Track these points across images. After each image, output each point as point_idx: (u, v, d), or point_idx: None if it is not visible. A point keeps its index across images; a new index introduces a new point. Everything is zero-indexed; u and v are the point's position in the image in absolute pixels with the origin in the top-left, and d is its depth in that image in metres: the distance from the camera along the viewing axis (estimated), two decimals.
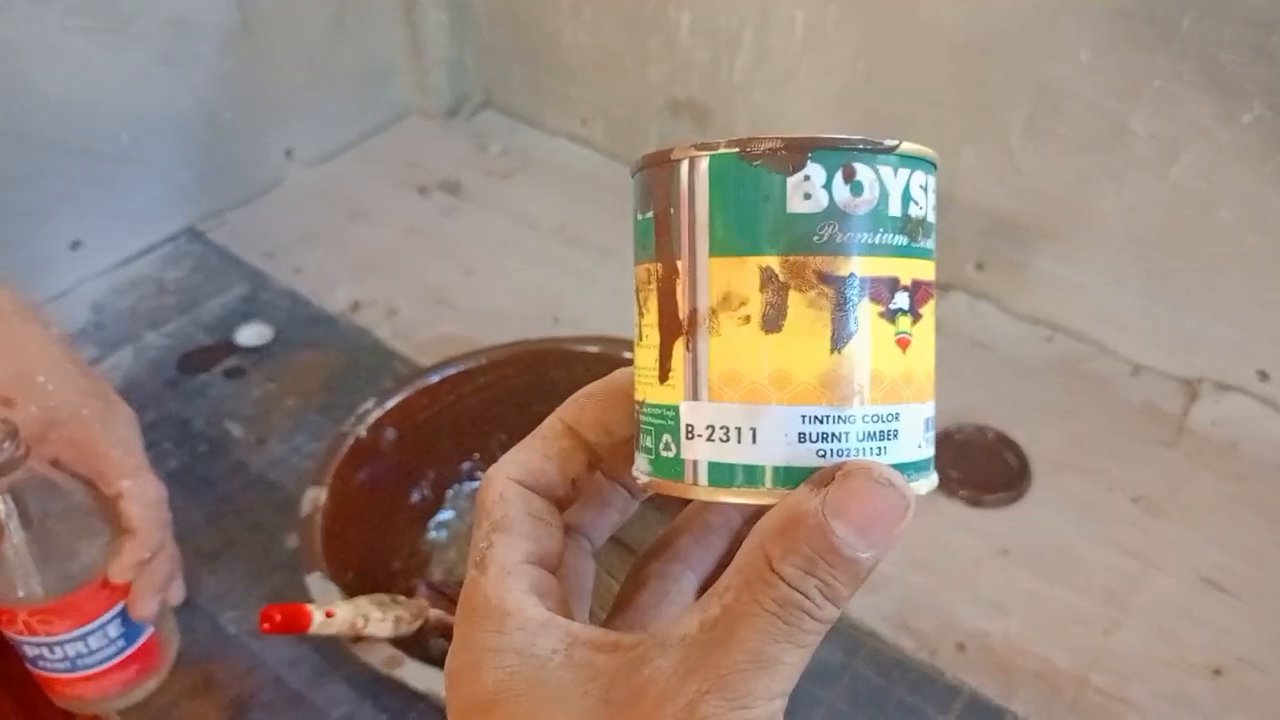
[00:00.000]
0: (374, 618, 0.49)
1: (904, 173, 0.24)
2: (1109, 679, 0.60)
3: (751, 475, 0.24)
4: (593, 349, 0.67)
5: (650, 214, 0.25)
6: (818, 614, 0.23)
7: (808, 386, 0.23)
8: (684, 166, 0.24)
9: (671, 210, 0.25)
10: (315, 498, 0.57)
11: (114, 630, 0.54)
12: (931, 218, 0.25)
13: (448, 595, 0.56)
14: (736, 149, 0.24)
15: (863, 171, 0.23)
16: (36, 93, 0.79)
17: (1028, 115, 0.74)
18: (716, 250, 0.24)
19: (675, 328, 0.25)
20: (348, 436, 0.61)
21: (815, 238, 0.23)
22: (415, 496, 0.66)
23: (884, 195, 0.23)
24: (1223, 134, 0.67)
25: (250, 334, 0.82)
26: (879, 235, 0.23)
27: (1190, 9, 0.64)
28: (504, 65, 1.07)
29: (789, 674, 0.23)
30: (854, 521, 0.23)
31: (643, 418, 0.26)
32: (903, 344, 0.24)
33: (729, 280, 0.24)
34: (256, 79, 0.95)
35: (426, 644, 0.56)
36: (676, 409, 0.25)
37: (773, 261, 0.23)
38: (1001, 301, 0.84)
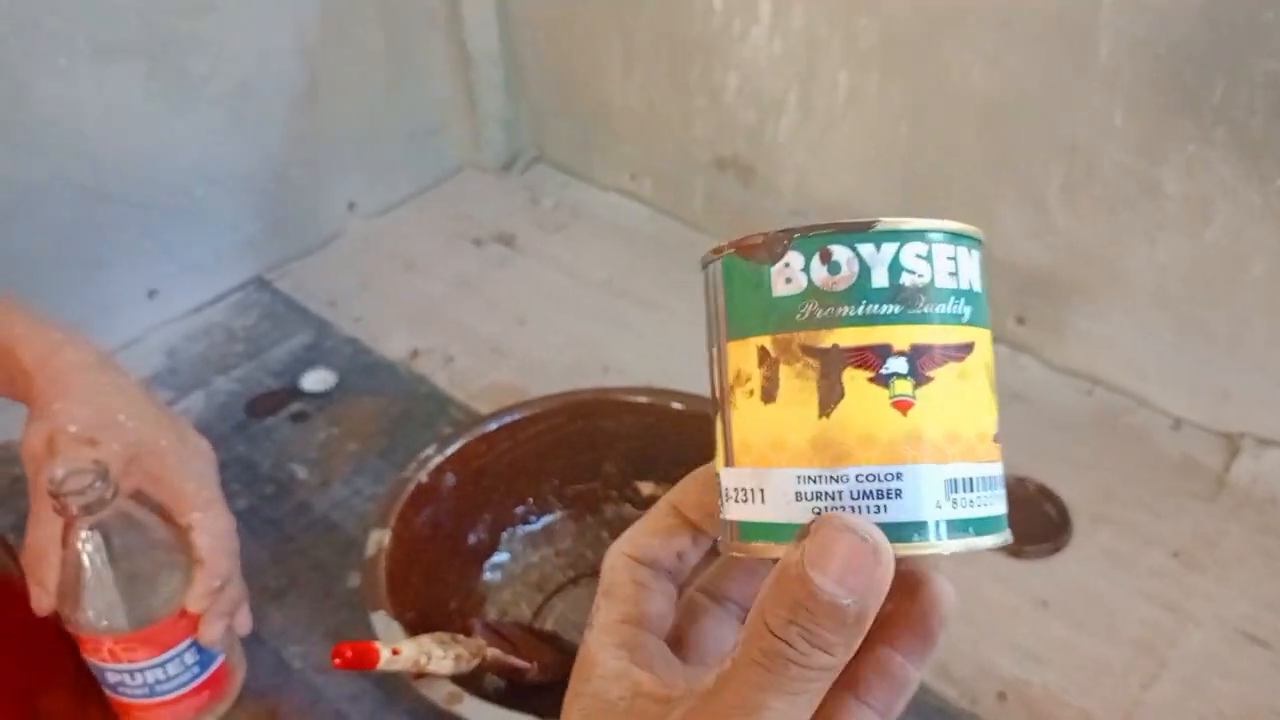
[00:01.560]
0: (436, 655, 0.52)
1: (889, 247, 0.25)
2: None
3: (765, 531, 0.27)
4: (642, 399, 0.69)
5: (706, 310, 0.29)
6: (804, 661, 0.25)
7: (800, 450, 0.25)
8: (712, 268, 0.28)
9: (709, 306, 0.28)
10: (379, 539, 0.60)
11: (190, 657, 0.57)
12: (946, 282, 0.26)
13: (502, 634, 0.59)
14: (733, 249, 0.27)
15: (838, 252, 0.25)
16: (117, 151, 0.84)
17: (1063, 175, 0.77)
18: (731, 334, 0.27)
19: (715, 404, 0.28)
20: (410, 481, 0.64)
21: (798, 315, 0.25)
22: (472, 539, 0.69)
23: (864, 270, 0.25)
24: (1254, 196, 0.69)
25: (314, 380, 0.86)
26: (862, 307, 0.25)
27: (1220, 79, 0.67)
28: (555, 122, 1.12)
29: (778, 719, 0.25)
30: (829, 570, 0.24)
31: (718, 461, 0.29)
32: (902, 406, 0.25)
33: (739, 360, 0.27)
34: (320, 136, 1.00)
35: (482, 681, 0.58)
36: (720, 475, 0.28)
37: (765, 340, 0.26)
38: (1041, 355, 0.86)
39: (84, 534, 0.53)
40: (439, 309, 0.95)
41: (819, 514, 0.25)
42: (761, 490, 0.26)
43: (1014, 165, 0.79)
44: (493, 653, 0.56)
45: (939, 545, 0.25)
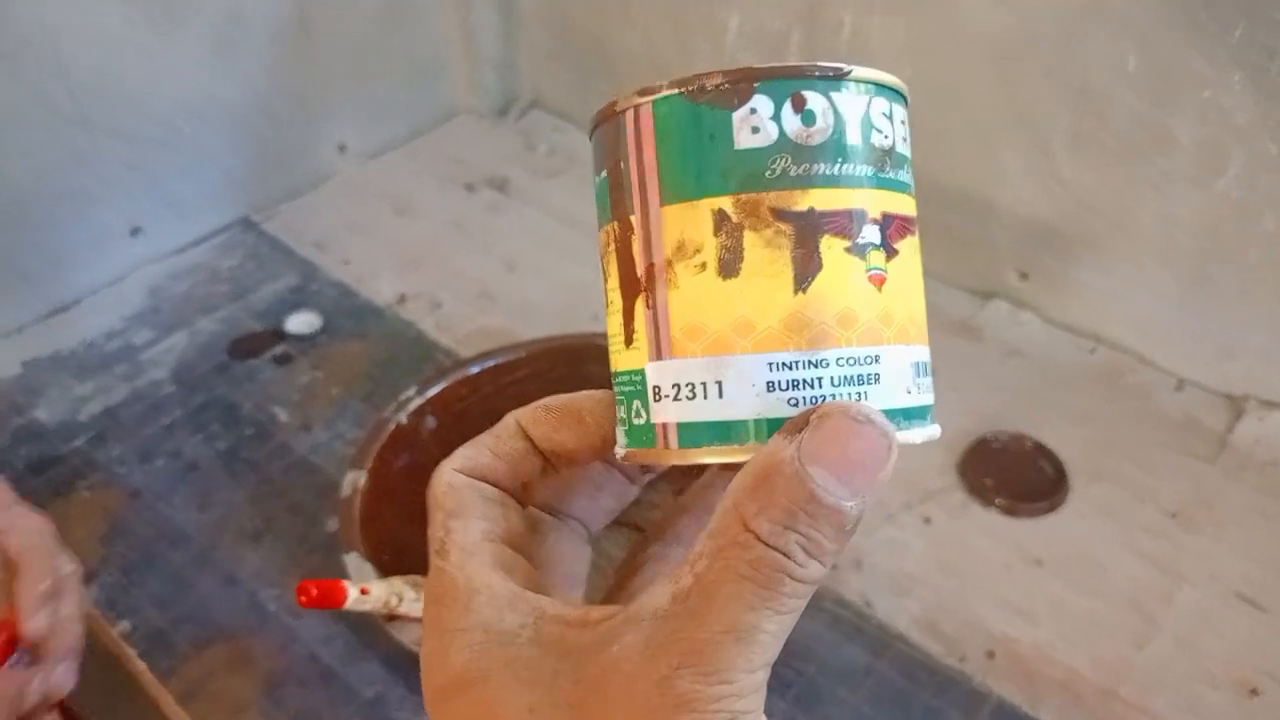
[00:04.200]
0: (408, 597, 0.50)
1: (861, 99, 0.22)
2: (1136, 691, 0.59)
3: (722, 432, 0.23)
4: None
5: (604, 173, 0.24)
6: (799, 574, 0.21)
7: (772, 332, 0.22)
8: (629, 116, 0.23)
9: (622, 164, 0.23)
10: (355, 480, 0.59)
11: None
12: (902, 149, 0.23)
13: None
14: (679, 89, 0.22)
15: (814, 99, 0.22)
16: (96, 76, 0.82)
17: (1071, 122, 0.74)
18: (667, 198, 0.23)
19: (635, 286, 0.23)
20: (389, 423, 0.62)
21: (768, 173, 0.22)
22: None
23: (840, 123, 0.22)
24: (1270, 145, 0.66)
25: (299, 322, 0.84)
26: (838, 166, 0.22)
27: (1239, 19, 0.64)
28: (552, 65, 1.09)
29: (770, 644, 0.21)
30: (834, 466, 0.21)
31: (615, 388, 0.25)
32: (877, 280, 0.22)
33: (682, 228, 0.22)
34: (311, 74, 0.97)
35: None
36: (643, 372, 0.24)
37: (725, 202, 0.22)
38: (1044, 311, 0.84)
39: None
40: (429, 253, 0.93)
41: (796, 405, 0.22)
42: (719, 383, 0.22)
43: (1021, 110, 0.77)
44: None
45: (910, 434, 0.23)
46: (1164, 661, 0.61)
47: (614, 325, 0.24)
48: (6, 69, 0.76)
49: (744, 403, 0.22)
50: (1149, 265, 0.77)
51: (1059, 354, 0.81)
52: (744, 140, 0.22)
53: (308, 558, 0.66)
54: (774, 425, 0.22)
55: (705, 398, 0.23)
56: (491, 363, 0.66)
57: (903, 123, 0.24)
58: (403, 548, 0.61)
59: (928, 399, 0.24)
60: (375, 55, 1.02)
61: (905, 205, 0.23)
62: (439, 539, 0.25)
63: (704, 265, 0.22)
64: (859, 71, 0.22)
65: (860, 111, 0.22)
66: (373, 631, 0.61)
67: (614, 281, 0.24)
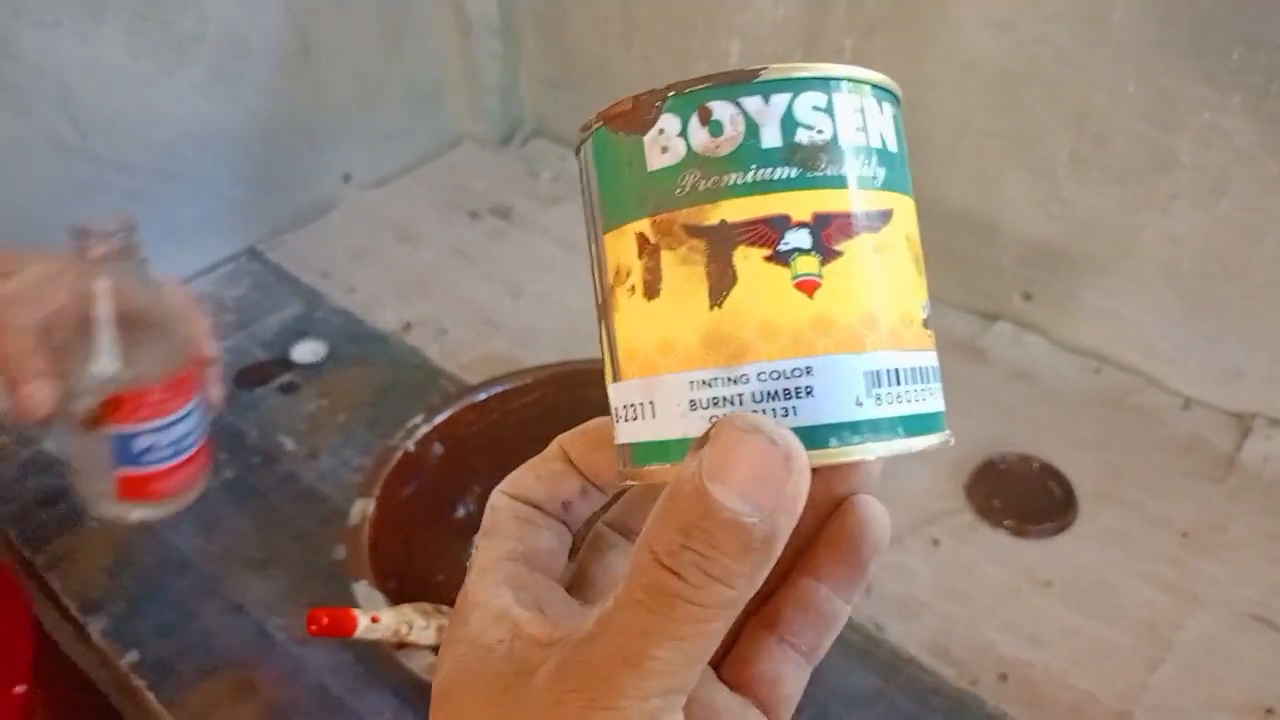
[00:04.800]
0: (418, 625, 0.50)
1: (780, 98, 0.21)
2: (1150, 715, 0.59)
3: (659, 452, 0.22)
4: None
5: (582, 199, 0.25)
6: (694, 596, 0.20)
7: (691, 349, 0.22)
8: (582, 151, 0.24)
9: (583, 194, 0.24)
10: (364, 509, 0.59)
11: (197, 417, 0.62)
12: (852, 139, 0.22)
13: None
14: (602, 121, 0.23)
15: (720, 109, 0.21)
16: (102, 110, 0.82)
17: (1072, 146, 0.75)
18: (606, 226, 0.23)
19: (598, 310, 0.24)
20: (396, 450, 0.62)
21: (678, 190, 0.21)
22: (460, 511, 0.67)
23: (751, 128, 0.21)
24: (1272, 166, 0.67)
25: (305, 351, 0.84)
26: (752, 172, 0.21)
27: (1237, 44, 0.64)
28: (554, 94, 1.10)
29: (665, 671, 0.20)
30: (732, 481, 0.20)
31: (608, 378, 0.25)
32: (806, 287, 0.21)
33: (618, 253, 0.23)
34: (314, 102, 0.98)
35: None
36: (609, 393, 0.24)
37: (644, 225, 0.22)
38: (1048, 332, 0.84)
39: (113, 284, 0.55)
40: (433, 281, 0.93)
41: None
42: (651, 403, 0.22)
43: (1023, 134, 0.77)
44: None
45: (862, 448, 0.21)
46: (1177, 684, 0.60)
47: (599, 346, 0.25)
48: (13, 102, 0.77)
49: (672, 422, 0.22)
50: (1153, 286, 0.77)
51: (1064, 375, 0.81)
52: (655, 161, 0.22)
53: (313, 586, 0.66)
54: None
55: (644, 418, 0.23)
56: (498, 389, 0.67)
57: (856, 111, 0.22)
58: (409, 576, 0.61)
59: (902, 409, 0.22)
60: (378, 83, 1.03)
61: (858, 201, 0.22)
62: (471, 556, 0.26)
63: (633, 289, 0.22)
64: (774, 69, 0.21)
65: (779, 112, 0.21)
66: (381, 660, 0.60)
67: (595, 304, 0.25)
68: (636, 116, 0.22)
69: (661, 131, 0.22)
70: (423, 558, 0.63)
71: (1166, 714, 0.59)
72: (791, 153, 0.21)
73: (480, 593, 0.25)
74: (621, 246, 0.22)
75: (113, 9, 0.80)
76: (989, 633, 0.63)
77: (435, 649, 0.51)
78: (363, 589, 0.54)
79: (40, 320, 0.53)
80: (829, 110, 0.22)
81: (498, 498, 0.27)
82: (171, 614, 0.65)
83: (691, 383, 0.22)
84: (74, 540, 0.70)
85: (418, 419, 0.64)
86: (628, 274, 0.22)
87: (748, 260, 0.21)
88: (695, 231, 0.21)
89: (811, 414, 0.21)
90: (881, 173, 0.22)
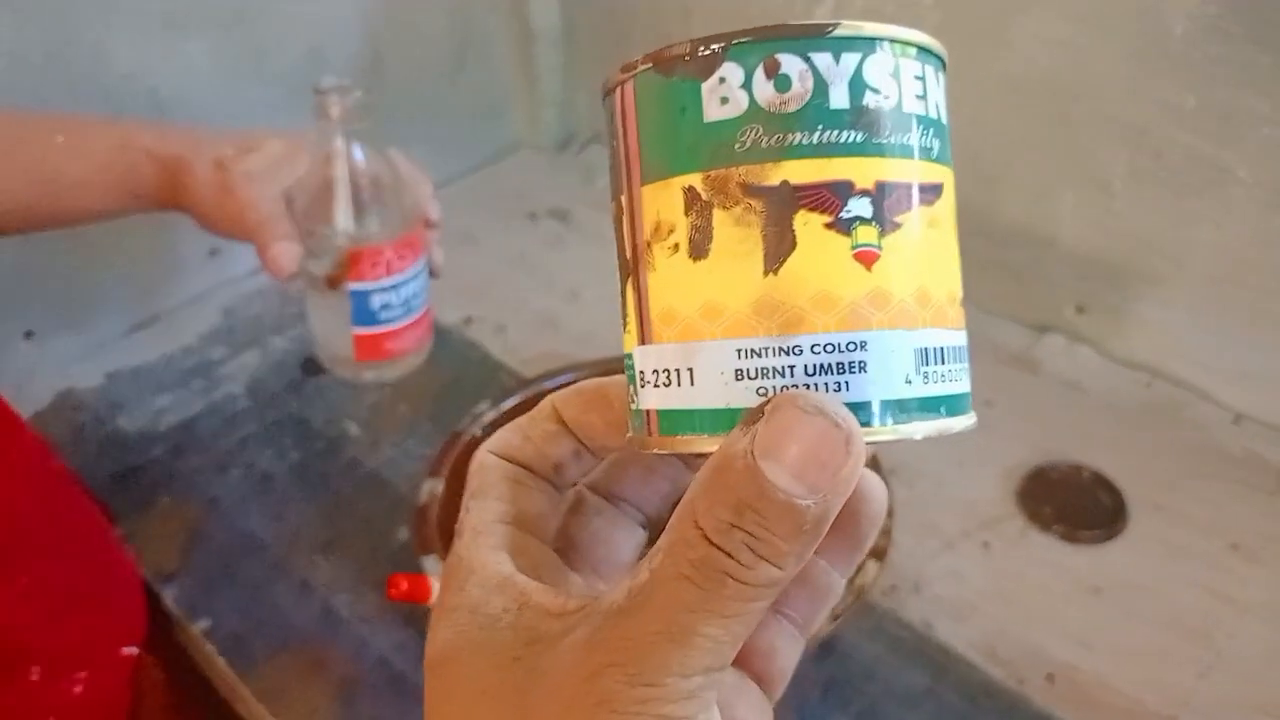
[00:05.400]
0: None
1: (850, 58, 0.20)
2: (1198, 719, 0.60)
3: (694, 421, 0.21)
4: None
5: (608, 149, 0.23)
6: (744, 575, 0.20)
7: (741, 316, 0.20)
8: (616, 95, 0.22)
9: (614, 143, 0.23)
10: (432, 488, 0.61)
11: (424, 278, 0.66)
12: (916, 108, 0.21)
13: None
14: (652, 63, 0.21)
15: (789, 63, 0.20)
16: (186, 112, 0.86)
17: (1129, 160, 0.76)
18: (646, 177, 0.21)
19: (626, 268, 0.23)
20: (463, 435, 0.64)
21: (737, 146, 0.20)
22: None
23: (820, 86, 0.20)
24: None
25: None
26: (818, 133, 0.20)
27: None
28: None
29: (710, 649, 0.20)
30: (787, 461, 0.19)
31: (626, 340, 0.23)
32: (865, 259, 0.20)
33: (658, 208, 0.21)
34: (384, 110, 1.01)
35: None
36: (633, 356, 0.23)
37: (695, 180, 0.21)
38: (1101, 345, 0.84)
39: (349, 146, 0.59)
40: (493, 281, 0.96)
41: (765, 395, 0.21)
42: (690, 370, 0.21)
43: (1079, 149, 0.78)
44: None
45: (910, 428, 0.21)
46: (1226, 691, 0.61)
47: (620, 306, 0.24)
48: (106, 103, 0.81)
49: (713, 391, 0.21)
50: (1206, 301, 0.77)
51: (1116, 388, 0.82)
52: (713, 112, 0.20)
53: (379, 568, 0.68)
54: (739, 415, 0.21)
55: (679, 385, 0.21)
56: (565, 379, 0.69)
57: (918, 78, 0.21)
58: None
59: (944, 388, 0.21)
60: (444, 94, 1.06)
61: (917, 172, 0.21)
62: (460, 519, 0.26)
63: (676, 247, 0.21)
64: (846, 26, 0.20)
65: (848, 71, 0.20)
66: None
67: (617, 261, 0.23)
68: (694, 62, 0.20)
69: (723, 80, 0.20)
70: None
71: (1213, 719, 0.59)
72: (859, 116, 0.20)
73: (476, 558, 0.24)
74: (665, 200, 0.21)
75: (198, 23, 0.84)
76: (1037, 635, 0.64)
77: None
78: (431, 563, 0.56)
79: (283, 190, 0.58)
80: (895, 75, 0.21)
81: (486, 457, 0.26)
82: (243, 591, 0.68)
83: (740, 351, 0.20)
84: (149, 519, 0.72)
85: (484, 405, 0.66)
86: (670, 231, 0.21)
87: (808, 226, 0.20)
88: (754, 191, 0.20)
89: (862, 390, 0.20)
90: (936, 145, 0.22)
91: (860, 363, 0.20)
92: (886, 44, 0.21)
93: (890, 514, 0.60)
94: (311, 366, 0.85)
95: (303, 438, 0.79)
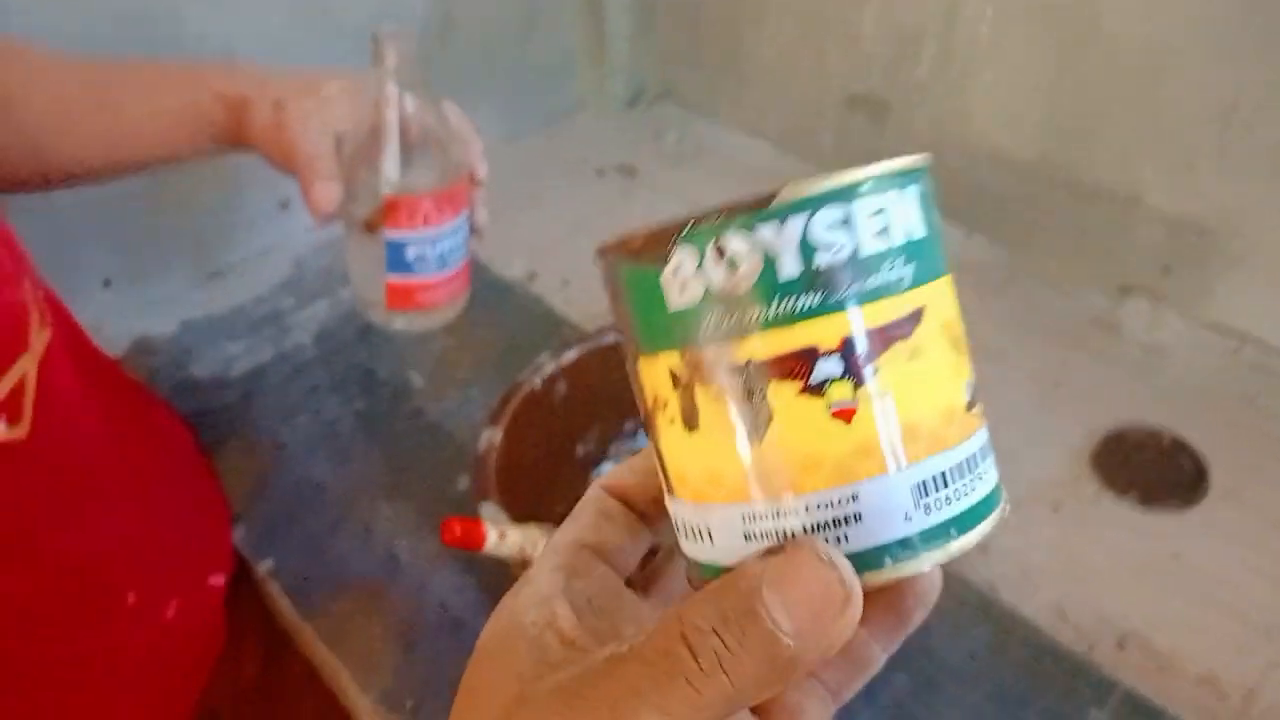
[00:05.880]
0: (542, 545, 0.52)
1: (795, 222, 0.20)
2: (1279, 694, 0.57)
3: (719, 575, 0.22)
4: None
5: (610, 304, 0.24)
6: (697, 681, 0.20)
7: (738, 483, 0.21)
8: (603, 265, 0.23)
9: (613, 303, 0.23)
10: (491, 437, 0.61)
11: (463, 233, 0.63)
12: (873, 247, 0.20)
13: None
14: (618, 252, 0.22)
15: (735, 243, 0.20)
16: None
17: (1219, 134, 0.72)
18: (640, 349, 0.22)
19: (645, 424, 0.24)
20: (523, 386, 0.64)
21: (702, 330, 0.21)
22: (580, 450, 0.69)
23: (768, 261, 0.20)
24: None
25: None
26: (774, 307, 0.20)
27: None
28: (683, 61, 1.10)
29: None
30: (788, 597, 0.20)
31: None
32: (843, 415, 0.20)
33: (654, 380, 0.22)
34: (451, 71, 1.01)
35: None
36: (668, 506, 0.24)
37: (673, 360, 0.21)
38: (1187, 309, 0.81)
39: (401, 94, 0.57)
40: (559, 235, 0.95)
41: None
42: (709, 530, 0.22)
43: (1166, 121, 0.75)
44: None
45: (915, 563, 0.21)
46: None
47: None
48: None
49: (730, 551, 0.22)
50: None
51: (1201, 353, 0.79)
52: (674, 300, 0.21)
53: (439, 513, 0.68)
54: None
55: (701, 541, 0.23)
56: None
57: (877, 213, 0.21)
58: (532, 509, 0.63)
59: (952, 510, 0.21)
60: (513, 52, 1.05)
61: (886, 312, 0.21)
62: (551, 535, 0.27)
63: (673, 419, 0.22)
64: (788, 190, 0.20)
65: (795, 238, 0.20)
66: (502, 584, 0.63)
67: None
68: (650, 251, 0.21)
69: (678, 269, 0.21)
70: (545, 492, 0.65)
71: None
72: (813, 279, 0.20)
73: (539, 569, 0.25)
74: (657, 375, 0.22)
75: None
76: (1107, 601, 0.62)
77: None
78: (489, 509, 0.56)
79: (335, 131, 0.58)
80: (848, 223, 0.20)
81: (594, 488, 0.28)
82: (307, 534, 0.69)
83: (743, 516, 0.21)
84: (221, 457, 0.74)
85: (544, 358, 0.66)
86: (665, 403, 0.22)
87: (781, 395, 0.20)
88: (725, 370, 0.21)
89: (862, 539, 0.21)
90: (909, 271, 0.21)
91: (855, 514, 0.21)
92: (834, 196, 0.20)
93: None
94: None
95: (368, 387, 0.80)
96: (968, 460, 0.22)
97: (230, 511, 0.69)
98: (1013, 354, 0.79)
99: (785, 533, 0.21)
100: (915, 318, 0.21)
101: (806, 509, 0.21)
